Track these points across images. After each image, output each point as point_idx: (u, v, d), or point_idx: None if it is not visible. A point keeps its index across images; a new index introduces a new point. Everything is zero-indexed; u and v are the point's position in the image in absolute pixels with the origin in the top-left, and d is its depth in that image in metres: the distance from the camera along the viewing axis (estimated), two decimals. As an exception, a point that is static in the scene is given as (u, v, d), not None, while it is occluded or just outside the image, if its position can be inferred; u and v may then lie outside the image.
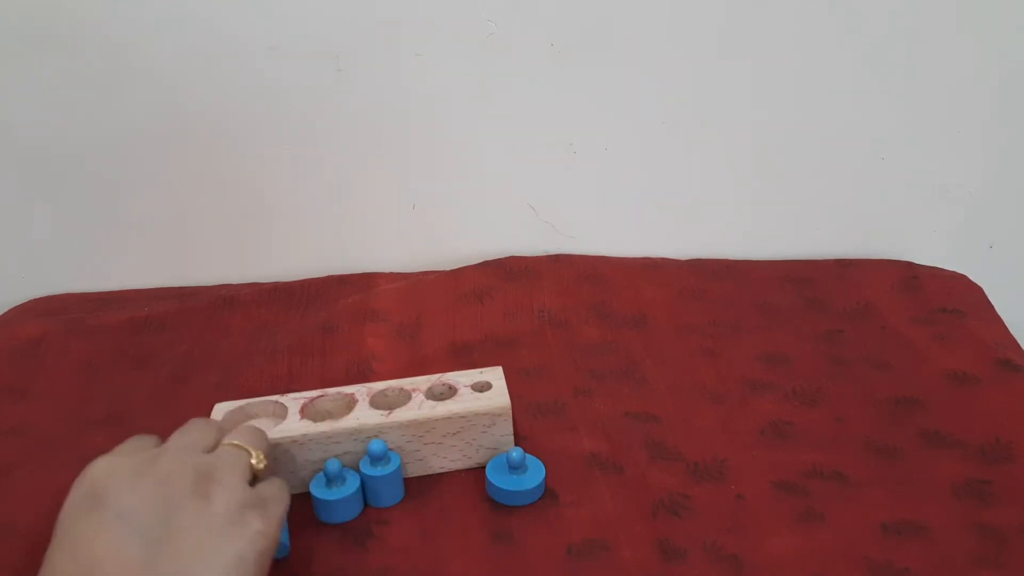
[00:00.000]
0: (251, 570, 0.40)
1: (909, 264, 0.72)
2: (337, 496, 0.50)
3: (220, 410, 0.53)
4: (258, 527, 0.42)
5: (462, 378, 0.54)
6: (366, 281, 0.73)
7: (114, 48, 0.65)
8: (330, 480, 0.50)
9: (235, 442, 0.46)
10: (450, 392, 0.53)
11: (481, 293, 0.70)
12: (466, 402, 0.52)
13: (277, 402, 0.53)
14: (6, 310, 0.72)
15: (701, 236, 0.74)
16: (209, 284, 0.74)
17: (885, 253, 0.74)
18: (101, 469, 0.42)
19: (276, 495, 0.45)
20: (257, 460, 0.46)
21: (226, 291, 0.72)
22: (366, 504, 0.52)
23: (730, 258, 0.74)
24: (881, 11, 0.65)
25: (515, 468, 0.51)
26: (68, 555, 0.39)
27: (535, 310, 0.68)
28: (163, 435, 0.57)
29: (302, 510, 0.51)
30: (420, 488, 0.53)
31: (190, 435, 0.46)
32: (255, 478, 0.45)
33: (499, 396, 0.53)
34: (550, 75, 0.68)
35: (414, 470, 0.53)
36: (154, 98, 0.67)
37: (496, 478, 0.51)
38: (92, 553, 0.38)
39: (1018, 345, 0.64)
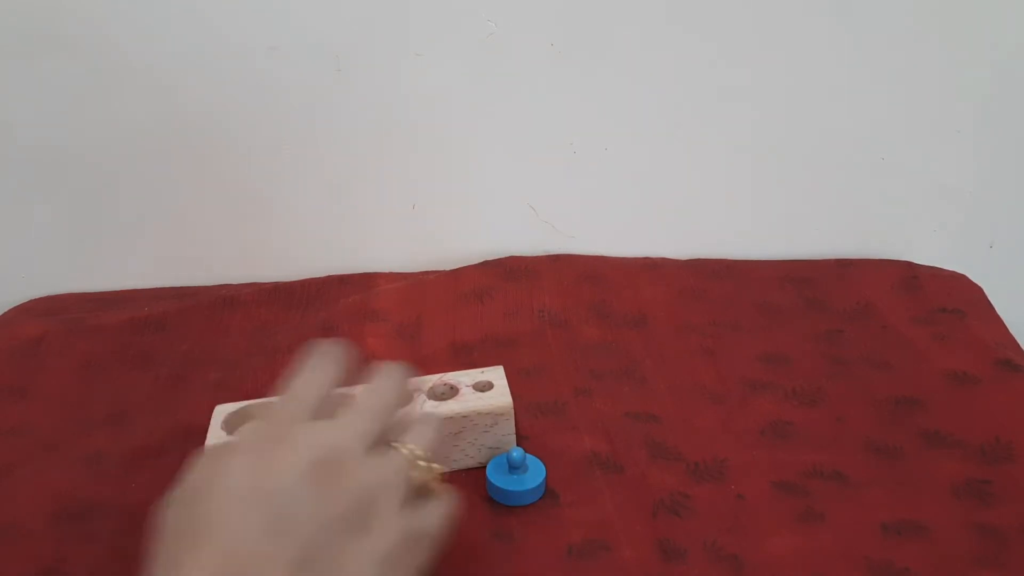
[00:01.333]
0: None
1: (909, 264, 0.72)
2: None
3: (220, 411, 0.53)
4: (410, 571, 0.38)
5: (463, 378, 0.54)
6: (366, 281, 0.73)
7: (114, 48, 0.65)
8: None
9: (404, 447, 0.41)
10: (452, 392, 0.53)
11: (481, 293, 0.70)
12: (468, 402, 0.52)
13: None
14: (6, 310, 0.72)
15: (701, 236, 0.74)
16: (209, 284, 0.74)
17: (885, 253, 0.74)
18: (256, 454, 0.37)
19: (431, 529, 0.40)
20: (428, 473, 0.41)
21: (226, 291, 0.72)
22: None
23: (730, 258, 0.74)
24: (881, 11, 0.65)
25: (515, 468, 0.51)
26: (213, 551, 0.34)
27: (535, 310, 0.68)
28: (163, 435, 0.57)
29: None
30: (420, 488, 0.53)
31: (365, 416, 0.40)
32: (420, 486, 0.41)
33: (501, 395, 0.53)
34: (550, 75, 0.68)
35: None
36: (154, 98, 0.67)
37: (496, 478, 0.51)
38: (240, 561, 0.34)
39: (1018, 345, 0.64)
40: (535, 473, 0.52)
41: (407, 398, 0.41)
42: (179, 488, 0.37)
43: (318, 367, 0.43)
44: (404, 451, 0.41)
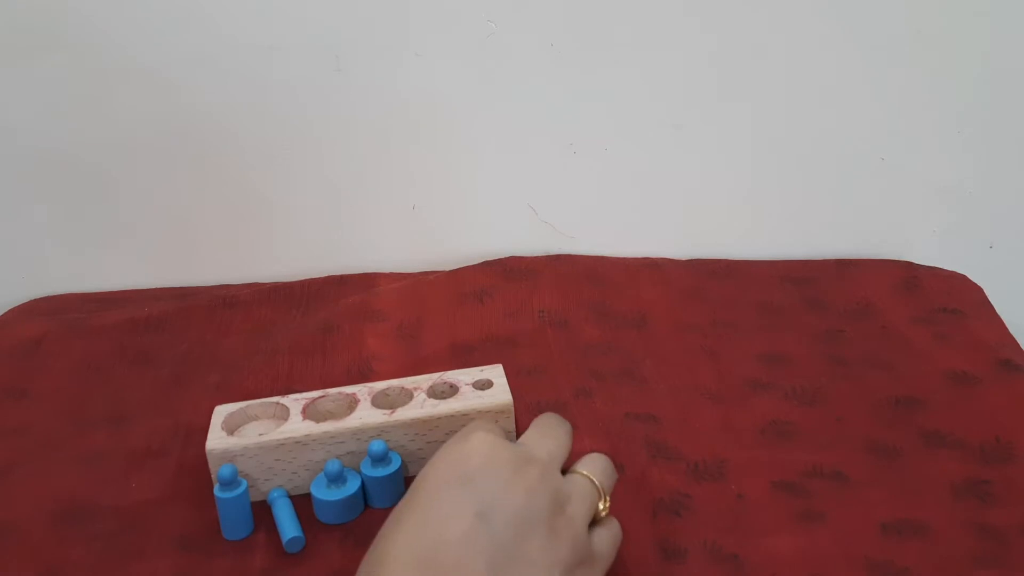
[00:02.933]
0: None
1: (909, 264, 0.72)
2: (338, 497, 0.50)
3: (220, 411, 0.53)
4: None
5: (463, 376, 0.54)
6: (366, 281, 0.73)
7: (114, 48, 0.65)
8: (331, 481, 0.50)
9: (590, 476, 0.43)
10: (452, 391, 0.54)
11: (481, 293, 0.70)
12: (468, 400, 0.52)
13: (278, 403, 0.53)
14: (6, 310, 0.72)
15: (701, 236, 0.74)
16: (209, 284, 0.74)
17: (885, 253, 0.74)
18: (484, 447, 0.39)
19: (606, 553, 0.42)
20: (604, 506, 0.43)
21: (226, 291, 0.72)
22: (367, 505, 0.52)
23: (730, 258, 0.74)
24: (881, 11, 0.65)
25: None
26: (419, 522, 0.37)
27: (535, 310, 0.68)
28: (163, 435, 0.57)
29: (303, 511, 0.51)
30: (421, 488, 0.53)
31: (553, 440, 0.43)
32: (593, 520, 0.42)
33: (501, 393, 0.53)
34: (550, 75, 0.68)
35: (416, 469, 0.53)
36: (154, 98, 0.67)
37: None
38: (443, 536, 0.37)
39: (1018, 345, 0.64)
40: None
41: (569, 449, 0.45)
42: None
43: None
44: (585, 475, 0.43)
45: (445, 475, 0.39)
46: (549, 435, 0.44)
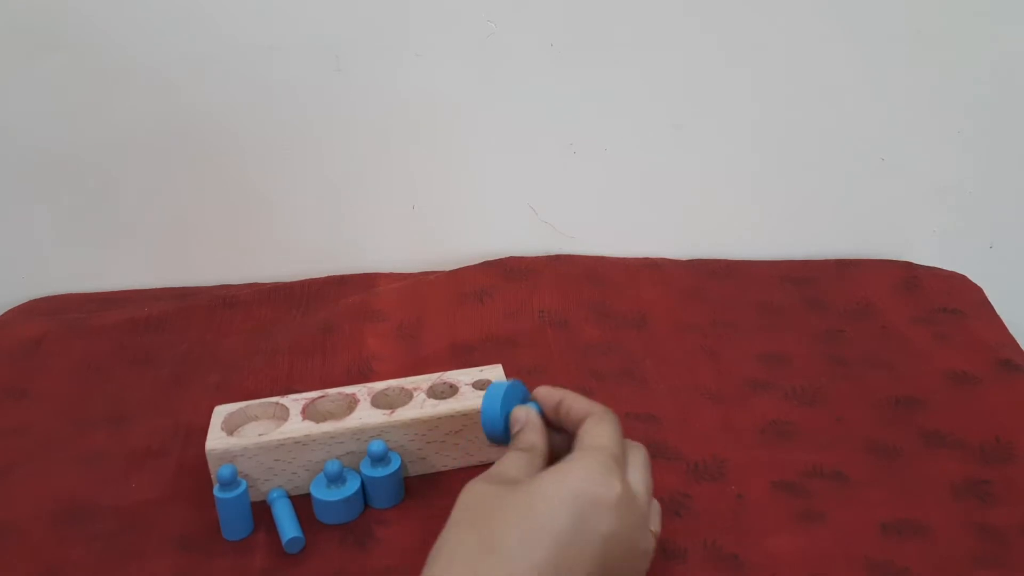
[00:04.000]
0: None
1: (909, 264, 0.72)
2: (337, 497, 0.50)
3: (220, 412, 0.53)
4: None
5: (463, 376, 0.54)
6: (366, 281, 0.73)
7: (114, 48, 0.65)
8: (330, 481, 0.50)
9: (653, 531, 0.44)
10: (451, 391, 0.54)
11: (481, 293, 0.70)
12: (468, 400, 0.52)
13: (278, 403, 0.53)
14: (6, 310, 0.72)
15: (701, 236, 0.74)
16: (209, 284, 0.74)
17: (885, 253, 0.74)
18: (619, 500, 0.40)
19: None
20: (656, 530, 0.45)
21: (226, 291, 0.72)
22: (366, 505, 0.52)
23: (730, 258, 0.74)
24: (881, 11, 0.65)
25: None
26: (552, 540, 0.38)
27: (535, 310, 0.68)
28: (163, 435, 0.57)
29: (303, 511, 0.51)
30: (421, 488, 0.53)
31: (646, 473, 0.44)
32: None
33: (500, 394, 0.53)
34: (550, 75, 0.68)
35: (416, 469, 0.53)
36: (154, 98, 0.67)
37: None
38: (568, 566, 0.38)
39: (1018, 345, 0.64)
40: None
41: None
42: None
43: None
44: (652, 532, 0.44)
45: (583, 506, 0.40)
46: (646, 478, 0.44)
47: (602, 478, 0.40)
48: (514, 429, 0.46)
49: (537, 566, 0.37)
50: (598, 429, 0.43)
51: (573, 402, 0.46)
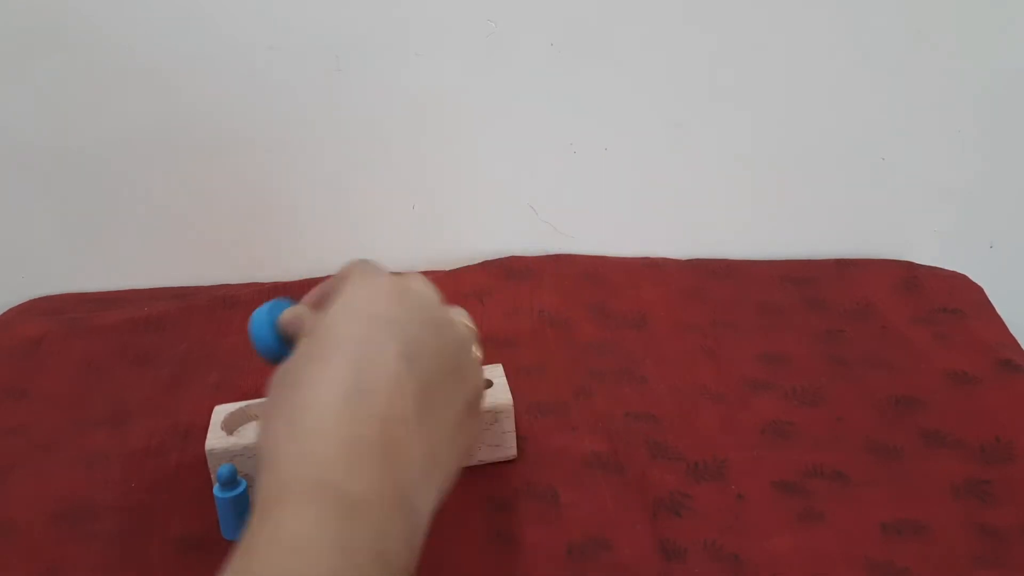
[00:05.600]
0: (463, 463, 0.40)
1: (909, 264, 0.72)
2: None
3: (220, 411, 0.53)
4: (475, 429, 0.42)
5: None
6: (366, 281, 0.73)
7: (114, 48, 0.65)
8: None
9: (470, 325, 0.44)
10: (451, 392, 0.53)
11: (481, 293, 0.70)
12: (467, 402, 0.52)
13: None
14: (6, 310, 0.72)
15: (701, 236, 0.74)
16: (209, 284, 0.74)
17: (885, 253, 0.74)
18: (393, 288, 0.39)
19: (481, 392, 0.44)
20: (478, 350, 0.44)
21: (226, 291, 0.72)
22: (366, 504, 0.51)
23: (730, 258, 0.74)
24: (880, 10, 0.65)
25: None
26: (347, 364, 0.36)
27: (535, 310, 0.68)
28: (163, 435, 0.57)
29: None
30: (420, 488, 0.53)
31: (459, 318, 0.43)
32: None
33: (501, 393, 0.53)
34: (550, 75, 0.68)
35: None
36: (154, 97, 0.67)
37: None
38: (375, 377, 0.36)
39: (1018, 345, 0.64)
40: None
41: None
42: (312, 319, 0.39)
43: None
44: (469, 326, 0.44)
45: (365, 316, 0.38)
46: (431, 285, 0.43)
47: (361, 279, 0.40)
48: (291, 329, 0.42)
49: (333, 377, 0.36)
50: (350, 268, 0.42)
51: (325, 283, 0.44)
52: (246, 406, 0.53)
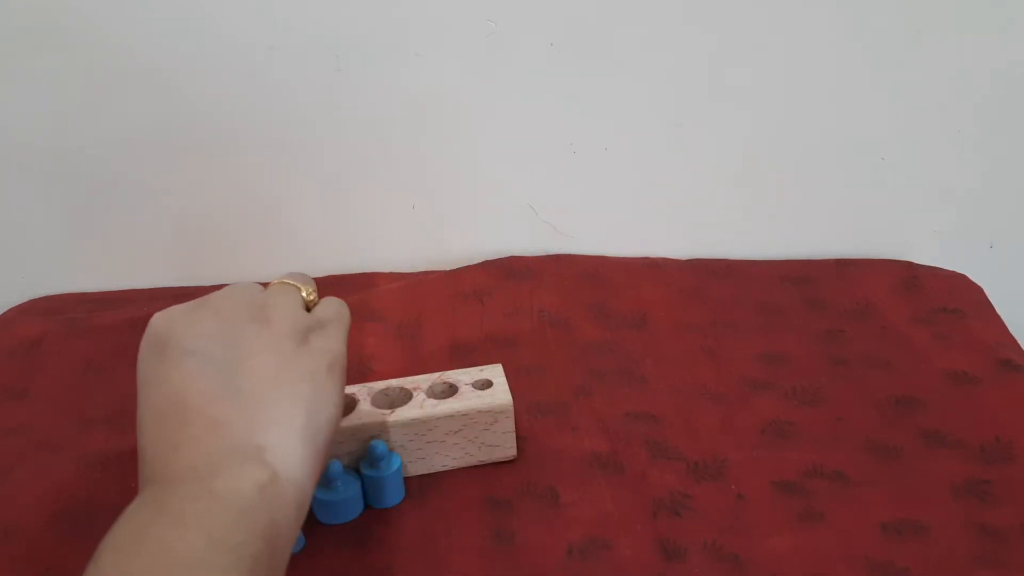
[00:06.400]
0: (326, 385, 0.41)
1: (909, 264, 0.72)
2: (337, 497, 0.50)
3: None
4: (322, 344, 0.42)
5: (463, 376, 0.54)
6: (366, 281, 0.73)
7: (114, 48, 0.65)
8: (330, 481, 0.50)
9: (283, 280, 0.46)
10: (451, 390, 0.54)
11: (481, 293, 0.70)
12: (468, 400, 0.52)
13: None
14: (6, 310, 0.72)
15: (701, 236, 0.74)
16: (209, 284, 0.74)
17: (885, 253, 0.74)
18: (159, 319, 0.42)
19: (334, 315, 0.46)
20: (307, 293, 0.46)
21: (226, 291, 0.72)
22: (366, 504, 0.52)
23: (730, 258, 0.74)
24: (880, 10, 0.65)
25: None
26: (154, 399, 0.39)
27: (535, 310, 0.68)
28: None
29: (302, 510, 0.51)
30: (421, 488, 0.53)
31: (236, 285, 0.46)
32: (308, 309, 0.46)
33: (501, 394, 0.53)
34: (550, 75, 0.68)
35: (415, 469, 0.53)
36: (154, 97, 0.67)
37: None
38: (173, 390, 0.39)
39: (1018, 345, 0.64)
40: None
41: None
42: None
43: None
44: (283, 280, 0.46)
45: (148, 358, 0.41)
46: (233, 286, 0.45)
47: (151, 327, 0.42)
48: None
49: (144, 413, 0.40)
50: None
51: None
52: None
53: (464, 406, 0.52)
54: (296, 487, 0.38)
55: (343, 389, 0.43)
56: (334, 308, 0.46)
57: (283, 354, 0.41)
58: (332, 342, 0.43)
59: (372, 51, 0.66)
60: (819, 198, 0.73)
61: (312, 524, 0.51)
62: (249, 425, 0.38)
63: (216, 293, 0.44)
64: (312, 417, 0.40)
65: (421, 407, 0.52)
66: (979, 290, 0.70)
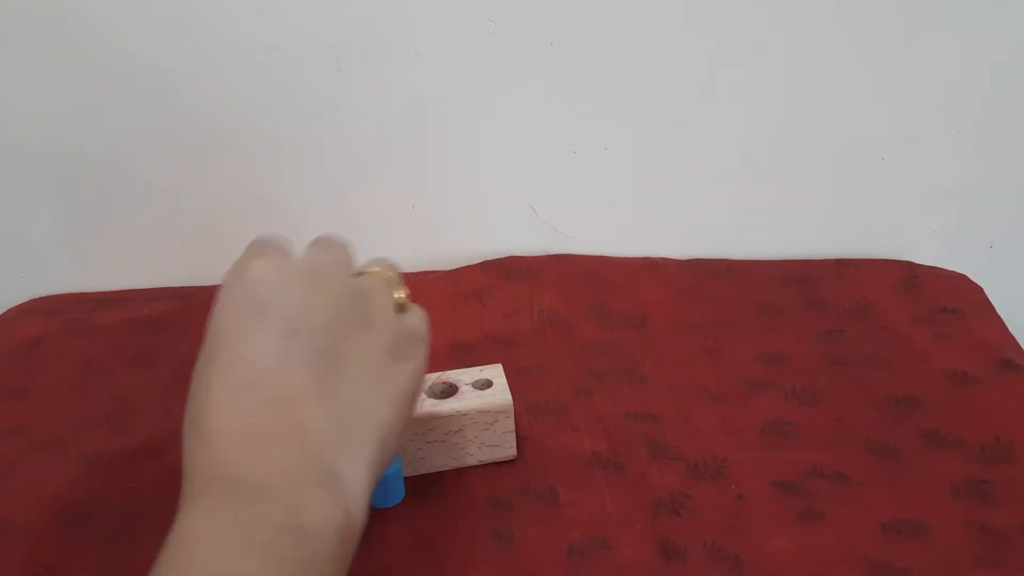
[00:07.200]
0: (405, 414, 0.39)
1: (909, 264, 0.72)
2: None
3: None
4: (413, 366, 0.40)
5: (463, 376, 0.54)
6: (366, 281, 0.73)
7: (114, 48, 0.65)
8: None
9: (379, 270, 0.43)
10: (451, 390, 0.53)
11: (481, 293, 0.70)
12: (468, 400, 0.52)
13: None
14: (6, 310, 0.72)
15: (701, 236, 0.74)
16: (209, 284, 0.74)
17: (885, 253, 0.74)
18: (262, 272, 0.38)
19: (420, 330, 0.42)
20: (400, 295, 0.42)
21: (226, 291, 0.72)
22: (367, 504, 0.52)
23: (730, 258, 0.74)
24: (880, 10, 0.65)
25: None
26: (234, 364, 0.36)
27: (535, 310, 0.68)
28: (163, 435, 0.57)
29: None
30: (420, 488, 0.53)
31: (337, 248, 0.42)
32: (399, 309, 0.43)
33: (501, 393, 0.53)
34: (550, 75, 0.68)
35: (416, 469, 0.53)
36: (154, 97, 0.67)
37: None
38: (263, 366, 0.35)
39: (1018, 345, 0.64)
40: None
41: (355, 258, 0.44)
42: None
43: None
44: (375, 271, 0.43)
45: (240, 312, 0.37)
46: (330, 246, 0.42)
47: (235, 269, 0.39)
48: None
49: (220, 379, 0.36)
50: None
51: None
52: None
53: (464, 406, 0.52)
54: (356, 533, 0.35)
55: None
56: (420, 319, 0.43)
57: (380, 368, 0.38)
58: (421, 363, 0.40)
59: (372, 51, 0.66)
60: (819, 198, 0.73)
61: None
62: (335, 443, 0.35)
63: (321, 264, 0.40)
64: (385, 450, 0.37)
65: (421, 407, 0.52)
66: (979, 290, 0.70)
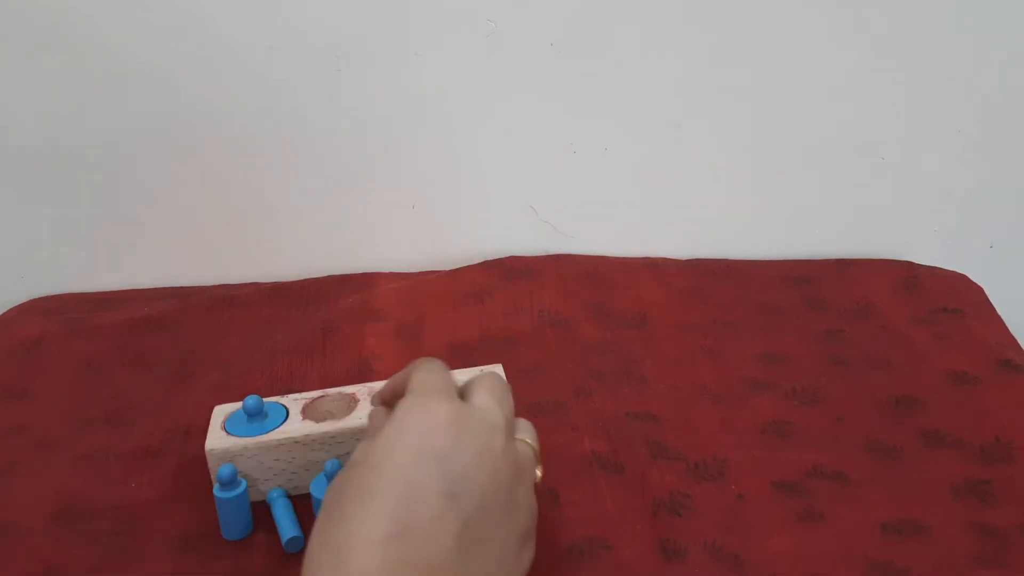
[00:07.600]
0: None
1: (909, 264, 0.72)
2: None
3: (220, 412, 0.53)
4: (530, 554, 0.40)
5: (463, 376, 0.54)
6: (366, 281, 0.73)
7: (114, 48, 0.65)
8: (330, 481, 0.50)
9: (532, 444, 0.43)
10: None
11: (481, 293, 0.70)
12: (467, 401, 0.52)
13: (278, 403, 0.53)
14: (6, 310, 0.72)
15: (701, 236, 0.74)
16: (209, 284, 0.74)
17: (885, 253, 0.74)
18: (449, 418, 0.38)
19: (534, 512, 0.42)
20: (539, 473, 0.43)
21: (226, 291, 0.72)
22: (367, 504, 0.52)
23: (730, 258, 0.74)
24: (880, 11, 0.65)
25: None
26: (388, 502, 0.36)
27: (535, 310, 0.68)
28: (163, 435, 0.57)
29: (303, 511, 0.51)
30: (420, 488, 0.53)
31: (507, 406, 0.42)
32: None
33: (500, 394, 0.53)
34: (550, 75, 0.68)
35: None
36: (154, 98, 0.67)
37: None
38: (415, 517, 0.36)
39: (1018, 345, 0.64)
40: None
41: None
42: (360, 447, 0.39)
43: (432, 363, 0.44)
44: (529, 443, 0.43)
45: (412, 451, 0.37)
46: (502, 400, 0.42)
47: (422, 405, 0.39)
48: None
49: (376, 516, 0.35)
50: (414, 375, 0.42)
51: (395, 379, 0.45)
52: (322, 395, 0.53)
53: (464, 406, 0.52)
54: None
55: None
56: (536, 506, 0.42)
57: (511, 555, 0.38)
58: (533, 552, 0.40)
59: (372, 51, 0.66)
60: (819, 198, 0.73)
61: (312, 524, 0.50)
62: None
63: (491, 420, 0.40)
64: None
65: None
66: (979, 290, 0.70)
